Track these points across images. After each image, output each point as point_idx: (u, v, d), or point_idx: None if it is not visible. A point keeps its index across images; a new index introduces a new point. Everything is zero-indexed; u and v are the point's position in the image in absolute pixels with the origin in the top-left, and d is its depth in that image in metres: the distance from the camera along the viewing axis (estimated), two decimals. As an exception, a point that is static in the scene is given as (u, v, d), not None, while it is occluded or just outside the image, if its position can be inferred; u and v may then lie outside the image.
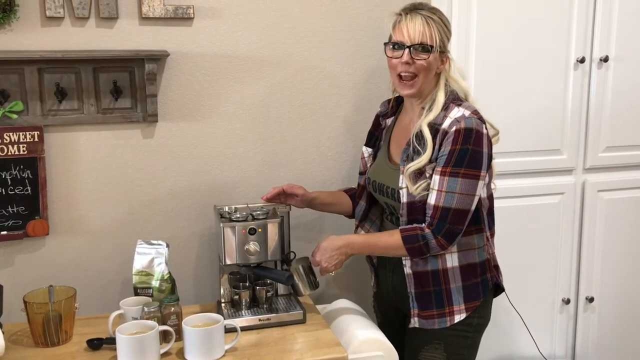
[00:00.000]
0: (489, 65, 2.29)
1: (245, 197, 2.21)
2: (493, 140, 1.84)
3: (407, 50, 1.77)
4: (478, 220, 1.85)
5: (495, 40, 2.29)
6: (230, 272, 2.03)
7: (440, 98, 1.80)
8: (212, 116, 2.18)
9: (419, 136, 1.80)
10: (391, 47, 1.82)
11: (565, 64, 2.39)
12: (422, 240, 1.77)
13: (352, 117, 2.31)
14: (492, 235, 1.93)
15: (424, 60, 1.77)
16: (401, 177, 1.83)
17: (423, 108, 1.84)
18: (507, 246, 2.23)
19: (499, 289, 1.97)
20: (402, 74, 1.80)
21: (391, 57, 1.82)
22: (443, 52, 1.80)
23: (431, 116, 1.78)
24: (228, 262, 1.94)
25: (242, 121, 2.21)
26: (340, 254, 1.87)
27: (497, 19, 2.29)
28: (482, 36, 2.28)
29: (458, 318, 1.85)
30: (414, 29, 1.76)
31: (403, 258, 1.85)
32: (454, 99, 1.81)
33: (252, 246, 1.92)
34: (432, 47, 1.76)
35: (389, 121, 2.03)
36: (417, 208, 1.80)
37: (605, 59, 2.42)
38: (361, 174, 2.09)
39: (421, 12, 1.79)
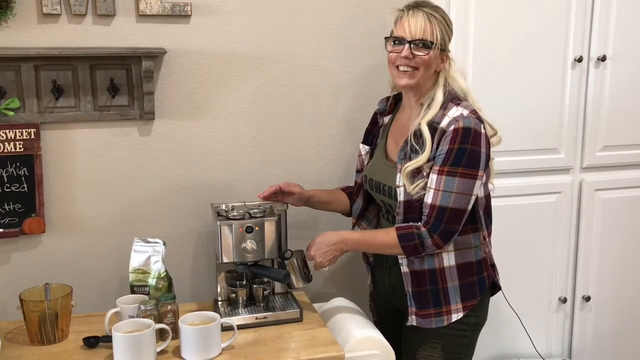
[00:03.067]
0: (486, 64, 2.29)
1: (242, 195, 2.21)
2: (494, 140, 1.85)
3: (407, 45, 1.78)
4: (474, 220, 1.85)
5: (493, 39, 2.29)
6: (227, 270, 2.03)
7: (439, 96, 1.80)
8: (210, 114, 2.17)
9: (417, 135, 1.80)
10: (392, 42, 1.82)
11: (562, 63, 2.38)
12: (418, 238, 1.77)
13: (350, 115, 2.31)
14: (489, 234, 1.93)
15: (424, 56, 1.78)
16: (398, 175, 1.82)
17: (422, 104, 1.84)
18: (504, 245, 2.22)
19: (495, 287, 1.97)
20: (401, 68, 1.81)
21: (391, 51, 1.83)
22: (444, 50, 1.81)
23: (430, 115, 1.78)
24: (225, 260, 1.93)
25: (240, 119, 2.21)
26: (335, 250, 1.87)
27: (495, 17, 2.28)
28: (479, 35, 2.27)
29: (455, 317, 1.85)
30: (416, 25, 1.77)
31: (399, 257, 1.85)
32: (453, 98, 1.81)
33: (249, 244, 1.92)
34: (432, 43, 1.77)
35: (386, 119, 2.02)
36: (414, 207, 1.80)
37: (603, 58, 2.41)
38: (358, 171, 2.09)
39: (423, 9, 1.80)
